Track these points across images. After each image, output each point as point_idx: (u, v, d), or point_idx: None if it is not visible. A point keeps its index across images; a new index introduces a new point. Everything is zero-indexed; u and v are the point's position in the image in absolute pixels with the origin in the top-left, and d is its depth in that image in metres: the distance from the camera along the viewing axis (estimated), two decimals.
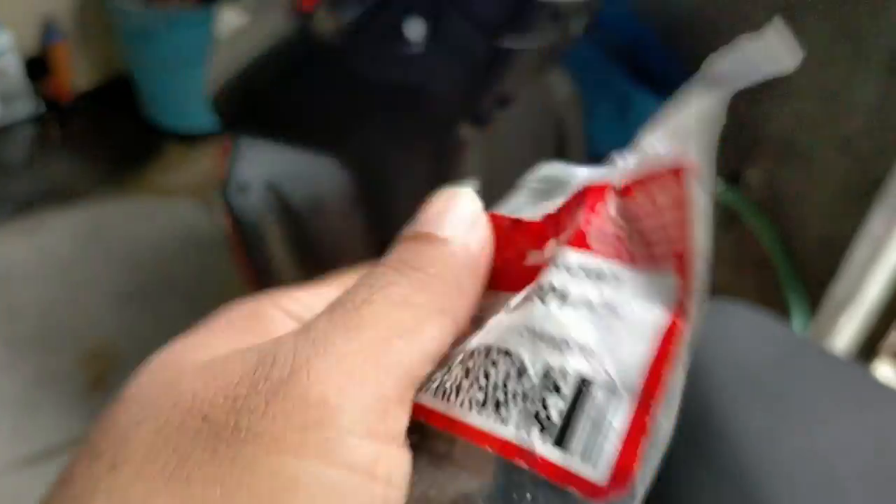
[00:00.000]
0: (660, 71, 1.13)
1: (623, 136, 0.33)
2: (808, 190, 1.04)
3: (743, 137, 1.12)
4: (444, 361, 0.23)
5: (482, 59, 0.74)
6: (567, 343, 0.21)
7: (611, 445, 0.20)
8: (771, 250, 1.08)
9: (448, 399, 0.22)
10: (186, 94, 1.68)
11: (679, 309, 0.21)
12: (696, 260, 0.21)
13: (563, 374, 0.20)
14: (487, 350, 0.22)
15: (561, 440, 0.20)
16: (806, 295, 1.05)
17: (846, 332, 1.01)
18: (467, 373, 0.22)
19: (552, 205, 0.25)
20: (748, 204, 1.12)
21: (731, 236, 1.19)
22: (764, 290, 1.13)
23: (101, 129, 1.92)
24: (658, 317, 0.21)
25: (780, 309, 1.03)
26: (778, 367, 0.52)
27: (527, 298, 0.22)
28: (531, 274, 0.23)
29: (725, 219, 1.18)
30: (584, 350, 0.21)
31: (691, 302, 0.21)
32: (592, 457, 0.20)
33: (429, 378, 0.23)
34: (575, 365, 0.20)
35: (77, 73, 1.93)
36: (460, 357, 0.22)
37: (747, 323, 0.56)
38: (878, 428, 0.49)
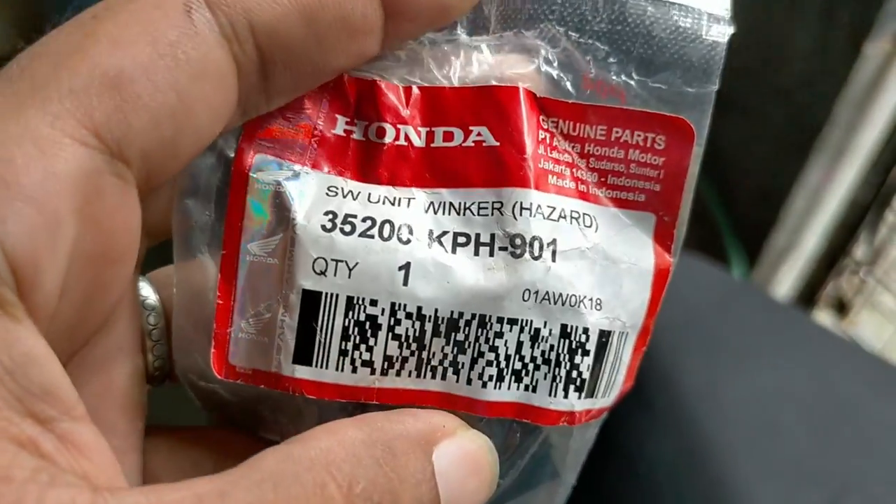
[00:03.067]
0: None
1: None
2: (746, 141, 1.04)
3: None
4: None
5: None
6: (578, 299, 0.20)
7: (622, 376, 0.22)
8: (709, 202, 1.08)
9: (444, 378, 0.21)
10: None
11: (667, 248, 0.22)
12: (686, 206, 0.22)
13: (585, 331, 0.21)
14: (482, 322, 0.20)
15: (591, 392, 0.21)
16: (745, 247, 1.05)
17: (786, 283, 1.02)
18: (461, 348, 0.20)
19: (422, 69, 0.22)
20: None
21: None
22: (703, 242, 1.14)
23: None
24: (649, 257, 0.22)
25: (720, 261, 1.04)
26: (718, 311, 0.51)
27: (494, 247, 0.20)
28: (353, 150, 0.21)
29: None
30: (596, 304, 0.21)
31: (677, 242, 0.22)
32: (611, 391, 0.22)
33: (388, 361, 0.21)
34: (593, 321, 0.21)
35: None
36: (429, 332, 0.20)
37: (684, 269, 0.55)
38: (818, 371, 0.48)
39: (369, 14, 0.19)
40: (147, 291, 0.22)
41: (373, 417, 0.19)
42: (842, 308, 1.04)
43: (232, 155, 0.20)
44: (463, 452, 0.20)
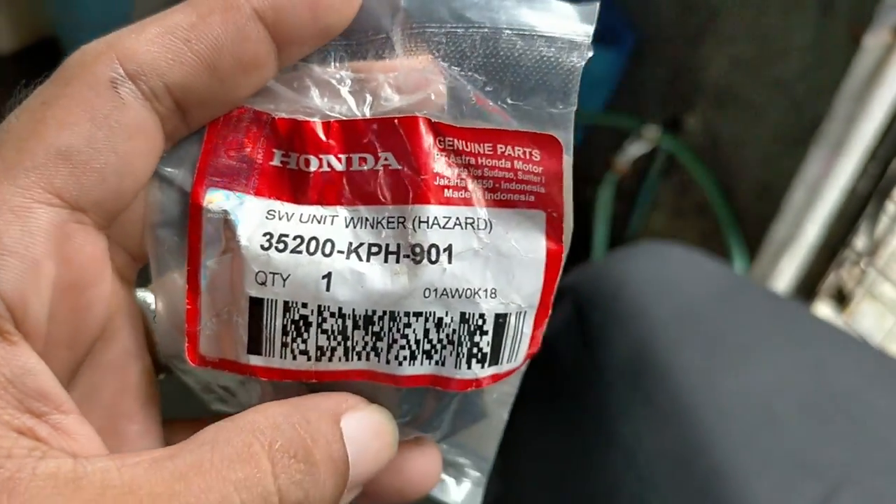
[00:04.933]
0: (602, 23, 1.12)
1: None
2: (745, 134, 1.04)
3: (680, 84, 1.12)
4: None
5: None
6: (473, 291, 0.24)
7: (524, 345, 0.26)
8: (710, 196, 1.08)
9: (368, 358, 0.25)
10: None
11: (558, 238, 0.25)
12: (568, 202, 0.25)
13: (482, 316, 0.25)
14: (392, 316, 0.24)
15: (495, 361, 0.25)
16: (746, 239, 1.06)
17: (786, 274, 1.02)
18: (378, 337, 0.25)
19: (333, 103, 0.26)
20: (687, 150, 1.12)
21: (670, 183, 1.19)
22: (704, 235, 1.14)
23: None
24: (540, 246, 0.25)
25: (721, 254, 1.04)
26: (716, 304, 0.52)
27: (397, 255, 0.24)
28: (299, 178, 0.25)
29: (665, 166, 1.19)
30: (491, 293, 0.25)
31: (567, 232, 0.25)
32: (515, 357, 0.26)
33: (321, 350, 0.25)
34: (488, 307, 0.25)
35: (1, 35, 1.85)
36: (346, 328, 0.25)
37: (684, 262, 0.55)
38: (815, 363, 0.49)
39: (261, 51, 0.24)
40: (150, 299, 0.27)
41: (291, 399, 0.24)
42: (842, 299, 1.04)
43: (189, 190, 0.25)
44: (366, 421, 0.25)
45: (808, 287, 1.04)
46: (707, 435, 0.44)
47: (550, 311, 0.26)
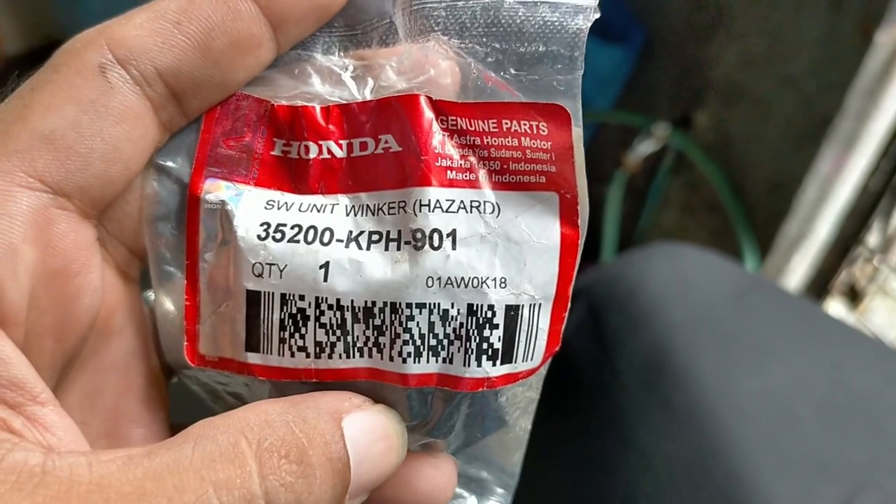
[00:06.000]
0: (611, 21, 1.11)
1: None
2: (756, 131, 1.04)
3: (690, 81, 1.12)
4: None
5: None
6: (481, 280, 0.23)
7: (542, 341, 0.24)
8: (721, 193, 1.08)
9: (370, 356, 0.23)
10: None
11: (573, 223, 0.24)
12: (582, 181, 0.24)
13: (490, 308, 0.23)
14: (394, 307, 0.23)
15: (508, 359, 0.24)
16: (757, 237, 1.05)
17: (798, 272, 1.02)
18: (380, 331, 0.23)
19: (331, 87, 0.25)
20: (697, 147, 1.11)
21: (680, 180, 1.19)
22: (714, 233, 1.14)
23: None
24: (553, 232, 0.24)
25: (732, 252, 1.04)
26: (731, 305, 0.51)
27: (403, 243, 0.23)
28: (299, 167, 0.24)
29: (675, 163, 1.18)
30: (500, 282, 0.23)
31: (583, 216, 0.24)
32: (532, 356, 0.24)
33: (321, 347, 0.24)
34: (497, 298, 0.23)
35: (7, 37, 1.86)
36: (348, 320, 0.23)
37: (698, 263, 0.55)
38: (832, 363, 0.48)
39: (256, 31, 0.23)
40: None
41: (289, 397, 0.22)
42: (854, 296, 1.04)
43: (187, 181, 0.24)
44: (371, 422, 0.23)
45: (820, 284, 1.03)
46: (725, 437, 0.43)
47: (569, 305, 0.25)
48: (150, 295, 0.26)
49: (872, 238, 0.98)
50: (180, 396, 0.27)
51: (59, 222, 0.22)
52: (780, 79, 0.98)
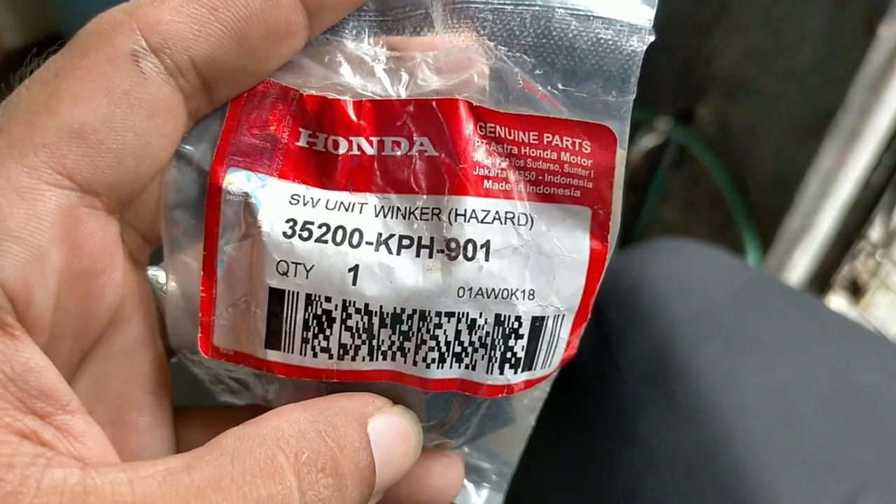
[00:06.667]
0: None
1: None
2: (758, 125, 1.04)
3: (693, 74, 1.11)
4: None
5: None
6: (510, 292, 0.23)
7: (560, 350, 0.25)
8: (723, 187, 1.07)
9: (394, 359, 0.23)
10: None
11: (603, 238, 0.24)
12: (617, 200, 0.24)
13: (517, 319, 0.23)
14: (423, 315, 0.23)
15: (529, 367, 0.24)
16: (759, 231, 1.05)
17: (800, 266, 1.02)
18: (406, 336, 0.23)
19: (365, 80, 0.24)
20: (699, 141, 1.11)
21: (682, 175, 1.19)
22: (716, 227, 1.13)
23: None
24: (585, 248, 0.24)
25: (734, 246, 1.03)
26: (735, 301, 0.51)
27: (434, 251, 0.23)
28: (328, 162, 0.24)
29: (676, 157, 1.18)
30: (529, 294, 0.23)
31: (613, 232, 0.24)
32: (550, 363, 0.25)
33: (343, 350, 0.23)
34: (525, 309, 0.23)
35: (6, 31, 1.85)
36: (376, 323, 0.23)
37: (700, 259, 0.55)
38: (836, 360, 0.48)
39: (293, 19, 0.22)
40: (162, 279, 0.25)
41: (315, 401, 0.22)
42: (857, 291, 1.04)
43: (207, 169, 0.23)
44: (393, 424, 0.23)
45: (822, 279, 1.03)
46: (728, 434, 0.43)
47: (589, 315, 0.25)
48: (155, 275, 0.25)
49: (875, 232, 0.98)
50: (177, 377, 0.27)
51: (87, 222, 0.21)
52: (782, 72, 0.98)
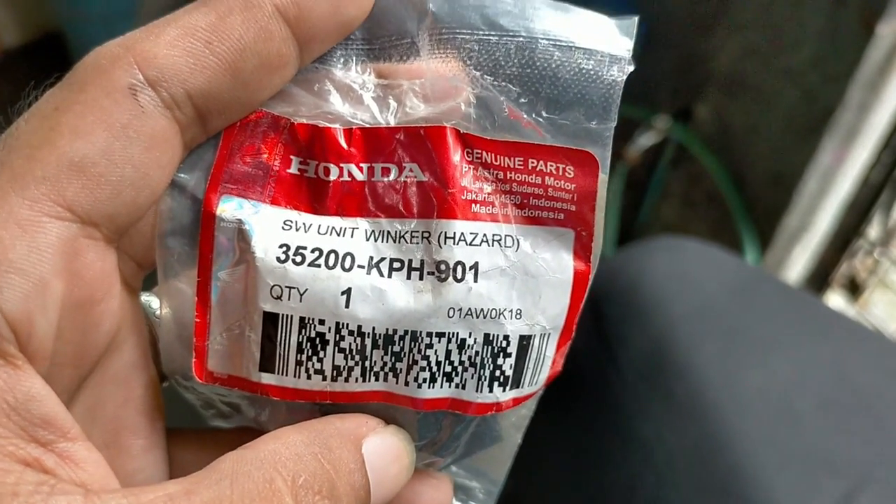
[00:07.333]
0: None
1: None
2: (757, 123, 1.04)
3: (692, 73, 1.11)
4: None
5: None
6: (498, 312, 0.24)
7: (546, 368, 0.25)
8: (722, 186, 1.08)
9: (386, 380, 0.24)
10: None
11: (586, 259, 0.25)
12: (599, 222, 0.24)
13: (506, 338, 0.24)
14: (414, 336, 0.23)
15: (517, 384, 0.25)
16: (757, 229, 1.05)
17: (798, 264, 1.02)
18: (398, 357, 0.24)
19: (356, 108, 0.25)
20: (698, 140, 1.11)
21: (680, 173, 1.19)
22: (715, 225, 1.13)
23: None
24: (568, 266, 0.24)
25: (733, 244, 1.03)
26: (733, 299, 0.51)
27: (425, 273, 0.23)
28: (318, 188, 0.24)
29: (675, 156, 1.18)
30: (516, 313, 0.24)
31: (595, 252, 0.25)
32: (537, 380, 0.25)
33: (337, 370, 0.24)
34: (513, 328, 0.24)
35: (5, 30, 1.85)
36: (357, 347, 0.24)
37: (699, 257, 0.55)
38: (834, 358, 0.48)
39: (285, 51, 0.23)
40: (155, 304, 0.26)
41: (310, 423, 0.23)
42: (855, 289, 1.04)
43: (201, 197, 0.24)
44: (386, 444, 0.24)
45: (820, 277, 1.03)
46: (727, 432, 0.43)
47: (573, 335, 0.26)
48: (148, 300, 0.26)
49: (873, 231, 0.98)
50: (168, 400, 0.27)
51: (86, 252, 0.21)
52: (781, 71, 0.98)
